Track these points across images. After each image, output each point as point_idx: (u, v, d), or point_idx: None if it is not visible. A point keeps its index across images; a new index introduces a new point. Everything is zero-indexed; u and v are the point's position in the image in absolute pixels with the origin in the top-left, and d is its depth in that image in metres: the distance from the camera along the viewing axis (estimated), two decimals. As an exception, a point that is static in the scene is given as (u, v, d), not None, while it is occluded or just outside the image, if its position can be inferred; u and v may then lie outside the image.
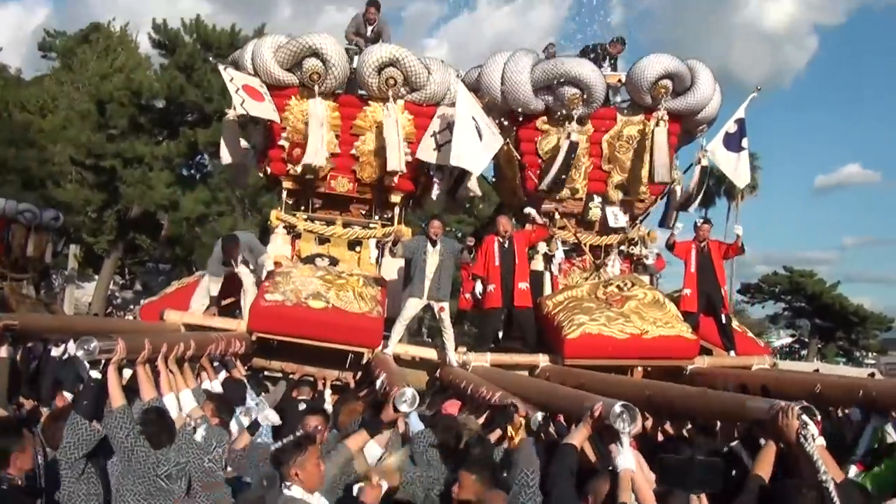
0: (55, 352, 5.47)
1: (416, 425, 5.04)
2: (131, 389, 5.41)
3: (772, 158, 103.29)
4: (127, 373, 5.65)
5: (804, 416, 3.93)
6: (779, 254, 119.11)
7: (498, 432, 5.43)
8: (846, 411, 6.85)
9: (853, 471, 5.75)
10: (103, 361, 4.90)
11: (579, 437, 4.27)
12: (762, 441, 4.34)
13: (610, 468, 3.97)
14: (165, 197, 28.35)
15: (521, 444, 4.82)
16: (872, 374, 23.93)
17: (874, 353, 58.26)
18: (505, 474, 4.48)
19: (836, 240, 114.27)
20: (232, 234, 10.91)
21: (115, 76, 31.44)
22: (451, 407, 6.90)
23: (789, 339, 60.26)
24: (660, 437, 5.96)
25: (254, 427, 6.27)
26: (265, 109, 10.49)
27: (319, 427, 5.62)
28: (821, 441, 3.98)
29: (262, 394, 8.51)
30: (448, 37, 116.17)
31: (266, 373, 9.82)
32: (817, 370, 20.39)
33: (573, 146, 10.52)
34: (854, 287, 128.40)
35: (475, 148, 9.94)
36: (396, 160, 10.49)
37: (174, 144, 30.07)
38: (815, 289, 53.05)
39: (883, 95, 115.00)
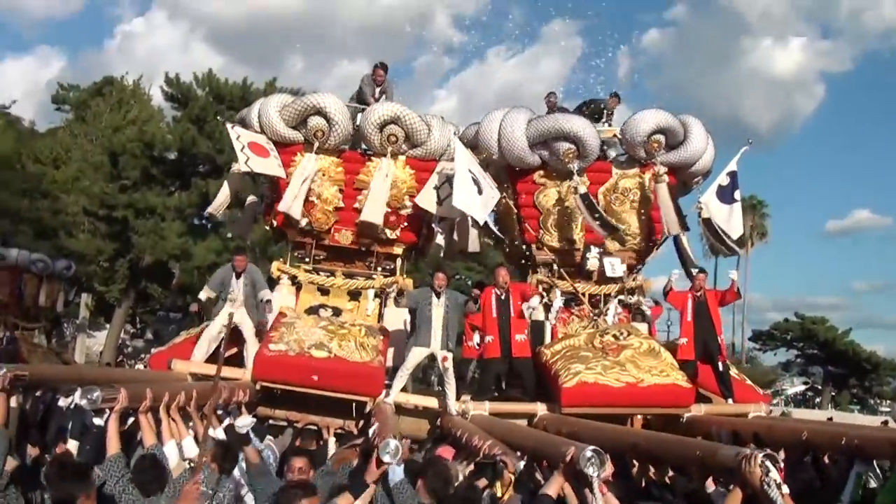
0: (62, 402, 5.71)
1: (397, 475, 5.16)
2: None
3: (782, 204, 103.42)
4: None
5: (767, 463, 4.12)
6: (790, 300, 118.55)
7: (484, 481, 5.60)
8: (835, 458, 7.03)
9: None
10: (107, 410, 5.14)
11: (554, 486, 4.45)
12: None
13: None
14: (177, 246, 28.72)
15: (509, 501, 4.95)
16: (886, 423, 23.94)
17: (888, 401, 57.85)
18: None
19: (847, 285, 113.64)
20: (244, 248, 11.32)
21: (127, 128, 32.07)
22: (445, 452, 7.09)
23: (803, 387, 59.91)
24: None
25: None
26: (270, 166, 10.83)
27: (303, 468, 5.84)
28: (785, 489, 4.16)
29: (273, 438, 8.72)
30: (457, 88, 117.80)
31: (271, 421, 10.01)
32: (831, 418, 20.43)
33: (584, 197, 10.78)
34: (866, 333, 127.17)
35: (475, 199, 10.22)
36: (373, 212, 10.85)
37: (186, 195, 30.48)
38: (827, 335, 52.91)
39: (892, 141, 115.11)
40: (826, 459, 7.05)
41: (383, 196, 10.97)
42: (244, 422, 6.53)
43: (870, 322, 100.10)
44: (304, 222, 11.22)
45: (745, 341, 55.48)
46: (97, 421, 5.22)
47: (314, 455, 6.86)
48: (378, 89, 12.07)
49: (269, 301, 10.55)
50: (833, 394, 54.90)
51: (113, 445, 5.11)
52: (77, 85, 37.51)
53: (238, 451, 6.25)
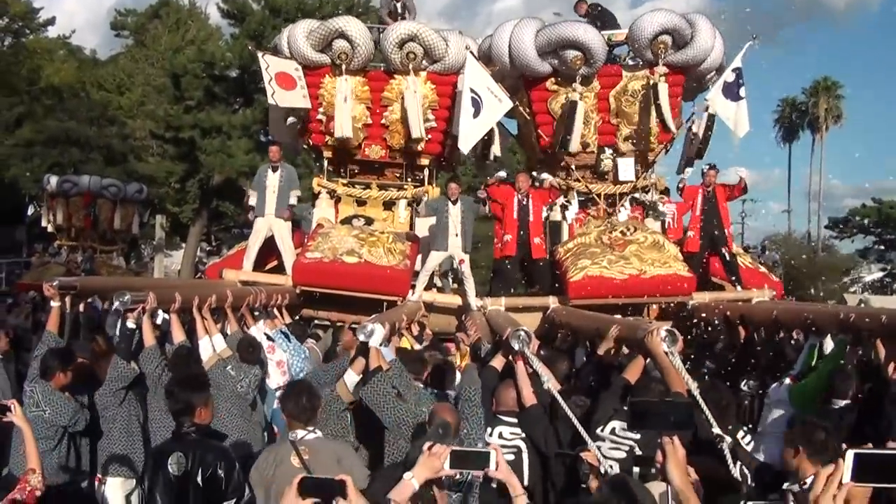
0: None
1: (388, 355, 6.19)
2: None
3: (858, 85, 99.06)
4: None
5: (667, 336, 5.00)
6: (868, 185, 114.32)
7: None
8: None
9: (787, 382, 6.75)
10: (137, 314, 6.20)
11: (498, 361, 5.67)
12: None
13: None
14: (245, 163, 29.20)
15: (466, 368, 5.97)
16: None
17: (968, 283, 56.54)
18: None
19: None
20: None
21: (187, 49, 32.46)
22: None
23: (880, 273, 58.83)
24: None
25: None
26: (295, 98, 11.69)
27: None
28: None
29: (315, 340, 9.81)
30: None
31: (316, 321, 11.17)
32: None
33: (572, 106, 11.36)
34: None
35: (468, 125, 10.89)
36: (417, 129, 11.61)
37: (250, 112, 31.04)
38: (905, 220, 51.74)
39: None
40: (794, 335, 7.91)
41: (419, 112, 11.71)
42: None
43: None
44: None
45: (821, 229, 54.88)
46: (129, 324, 6.21)
47: None
48: (399, 3, 12.84)
49: (296, 203, 11.79)
50: (911, 279, 53.97)
51: (149, 339, 6.19)
52: (134, 9, 38.16)
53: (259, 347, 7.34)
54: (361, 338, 5.67)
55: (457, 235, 10.85)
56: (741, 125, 11.76)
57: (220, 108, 30.99)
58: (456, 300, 11.40)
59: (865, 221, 54.15)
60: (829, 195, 59.49)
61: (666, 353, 4.98)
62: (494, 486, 4.80)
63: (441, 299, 11.42)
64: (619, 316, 9.28)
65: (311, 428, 4.82)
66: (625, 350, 6.63)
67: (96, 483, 6.19)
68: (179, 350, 6.48)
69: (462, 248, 10.90)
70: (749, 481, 4.66)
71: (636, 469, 4.78)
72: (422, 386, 6.20)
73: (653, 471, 3.69)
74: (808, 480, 3.94)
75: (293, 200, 11.77)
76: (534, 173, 12.22)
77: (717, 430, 4.70)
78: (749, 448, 5.31)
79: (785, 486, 4.13)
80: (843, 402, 6.12)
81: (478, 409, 5.39)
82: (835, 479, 2.13)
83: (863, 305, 14.57)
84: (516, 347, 5.32)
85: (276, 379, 7.83)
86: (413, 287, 10.96)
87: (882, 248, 55.79)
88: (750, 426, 5.94)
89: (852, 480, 2.11)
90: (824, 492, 2.15)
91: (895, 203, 52.64)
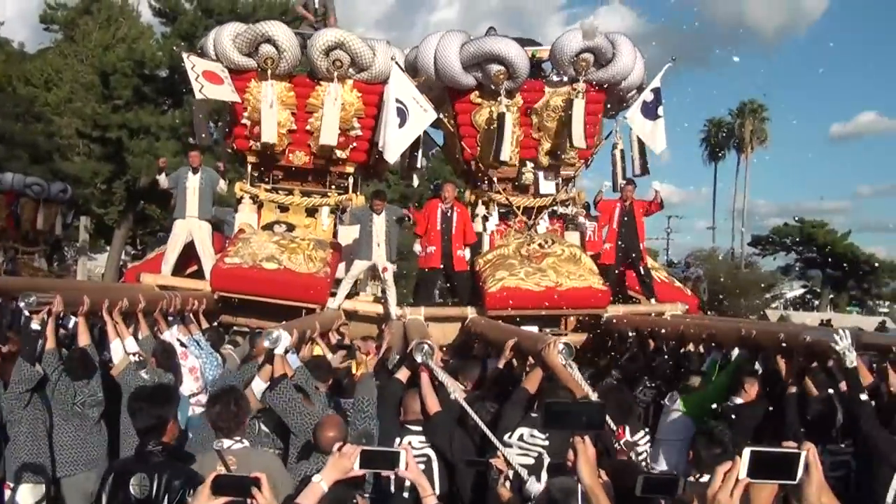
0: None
1: (294, 363, 6.22)
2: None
3: (785, 109, 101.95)
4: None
5: (564, 349, 5.15)
6: (792, 205, 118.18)
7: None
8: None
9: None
10: (44, 315, 6.12)
11: (403, 373, 5.73)
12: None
13: None
14: (173, 166, 28.84)
15: (361, 377, 6.05)
16: (883, 323, 24.58)
17: (887, 302, 58.65)
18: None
19: (850, 189, 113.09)
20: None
21: (117, 47, 31.63)
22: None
23: (801, 291, 60.69)
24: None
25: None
26: (224, 91, 11.60)
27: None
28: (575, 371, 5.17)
29: (235, 347, 9.72)
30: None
31: (235, 328, 11.06)
32: (829, 321, 21.27)
33: (500, 118, 11.53)
34: (867, 237, 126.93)
35: (394, 134, 10.98)
36: (329, 136, 11.65)
37: (179, 113, 30.56)
38: (826, 239, 53.23)
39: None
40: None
41: (336, 120, 11.73)
42: None
43: (874, 226, 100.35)
44: (259, 145, 12.03)
45: (745, 247, 56.32)
46: (34, 325, 6.13)
47: None
48: (317, 1, 12.93)
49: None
50: (832, 296, 55.66)
51: (50, 342, 6.13)
52: (65, 3, 37.17)
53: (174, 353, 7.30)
54: (266, 344, 5.70)
55: (379, 245, 10.90)
56: (658, 142, 12.07)
57: (149, 108, 30.33)
58: (377, 308, 11.45)
59: (788, 240, 55.76)
60: (754, 214, 61.09)
61: (564, 366, 5.12)
62: (406, 495, 4.92)
63: (362, 308, 11.43)
64: (534, 328, 9.45)
65: (237, 437, 4.69)
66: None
67: (6, 491, 6.08)
68: (72, 353, 6.40)
69: (385, 258, 10.94)
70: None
71: (544, 475, 4.90)
72: (324, 393, 6.24)
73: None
74: (703, 478, 4.11)
75: (222, 186, 11.95)
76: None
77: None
78: (647, 452, 5.48)
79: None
80: (739, 400, 6.32)
81: (370, 420, 5.49)
82: (732, 476, 2.21)
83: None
84: (419, 360, 5.40)
85: (189, 385, 7.75)
86: (333, 295, 10.95)
87: (803, 265, 57.51)
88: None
89: (748, 476, 2.20)
90: (722, 488, 2.22)
91: (817, 223, 54.38)
